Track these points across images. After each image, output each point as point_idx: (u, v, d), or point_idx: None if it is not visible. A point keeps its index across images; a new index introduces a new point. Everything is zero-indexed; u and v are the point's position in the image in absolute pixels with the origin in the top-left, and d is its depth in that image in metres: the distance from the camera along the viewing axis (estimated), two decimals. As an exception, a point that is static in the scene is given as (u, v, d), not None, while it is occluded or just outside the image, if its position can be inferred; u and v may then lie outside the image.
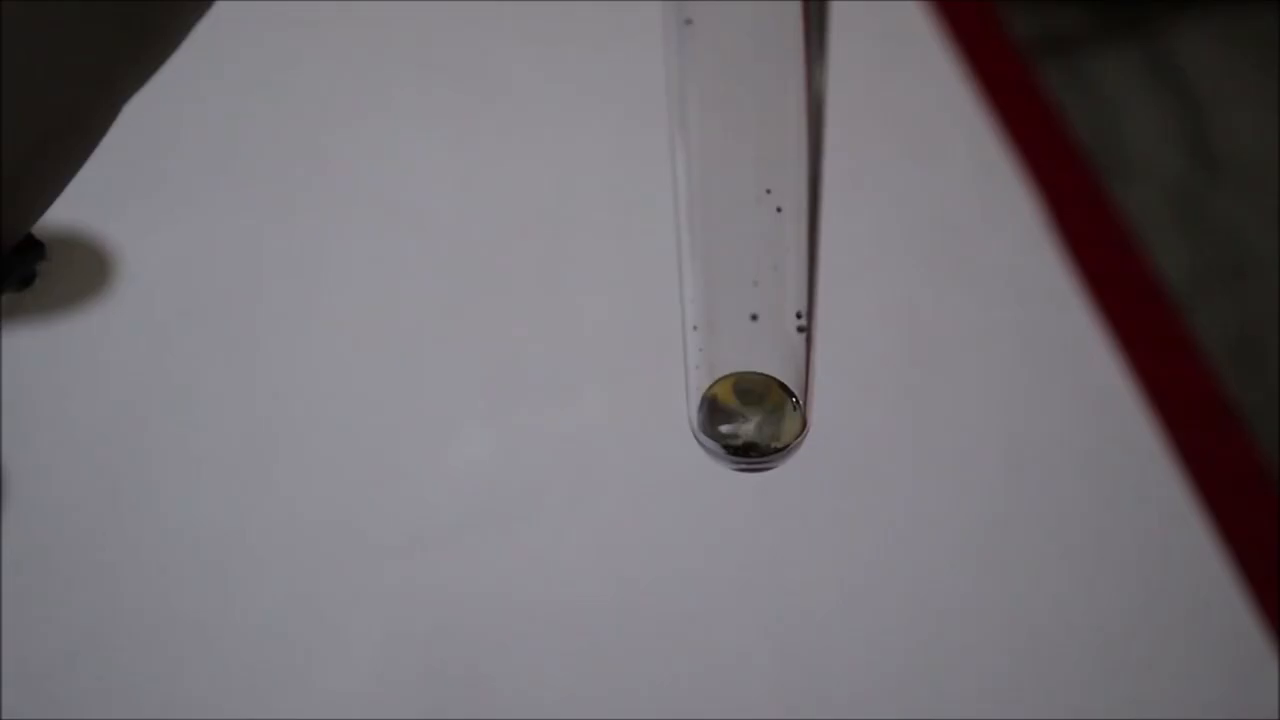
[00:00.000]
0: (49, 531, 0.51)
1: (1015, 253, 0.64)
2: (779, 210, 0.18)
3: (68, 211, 0.59)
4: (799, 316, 0.19)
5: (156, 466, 0.53)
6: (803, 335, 0.19)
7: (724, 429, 0.20)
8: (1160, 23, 1.64)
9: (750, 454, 0.20)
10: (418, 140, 0.65)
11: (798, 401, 0.19)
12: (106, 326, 0.57)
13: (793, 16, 0.17)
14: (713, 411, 0.20)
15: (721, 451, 0.20)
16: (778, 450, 0.20)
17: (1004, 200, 0.66)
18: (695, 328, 0.19)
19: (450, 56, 0.69)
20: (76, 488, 0.52)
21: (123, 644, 0.49)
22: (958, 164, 0.68)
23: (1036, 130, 0.71)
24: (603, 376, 0.57)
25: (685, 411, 0.20)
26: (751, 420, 0.20)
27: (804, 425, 0.20)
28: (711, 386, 0.20)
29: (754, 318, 0.19)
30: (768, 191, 0.18)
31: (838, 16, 0.19)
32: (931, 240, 0.64)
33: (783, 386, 0.19)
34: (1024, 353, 0.60)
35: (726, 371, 0.19)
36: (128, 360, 0.56)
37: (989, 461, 0.56)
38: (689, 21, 0.17)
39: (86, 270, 0.58)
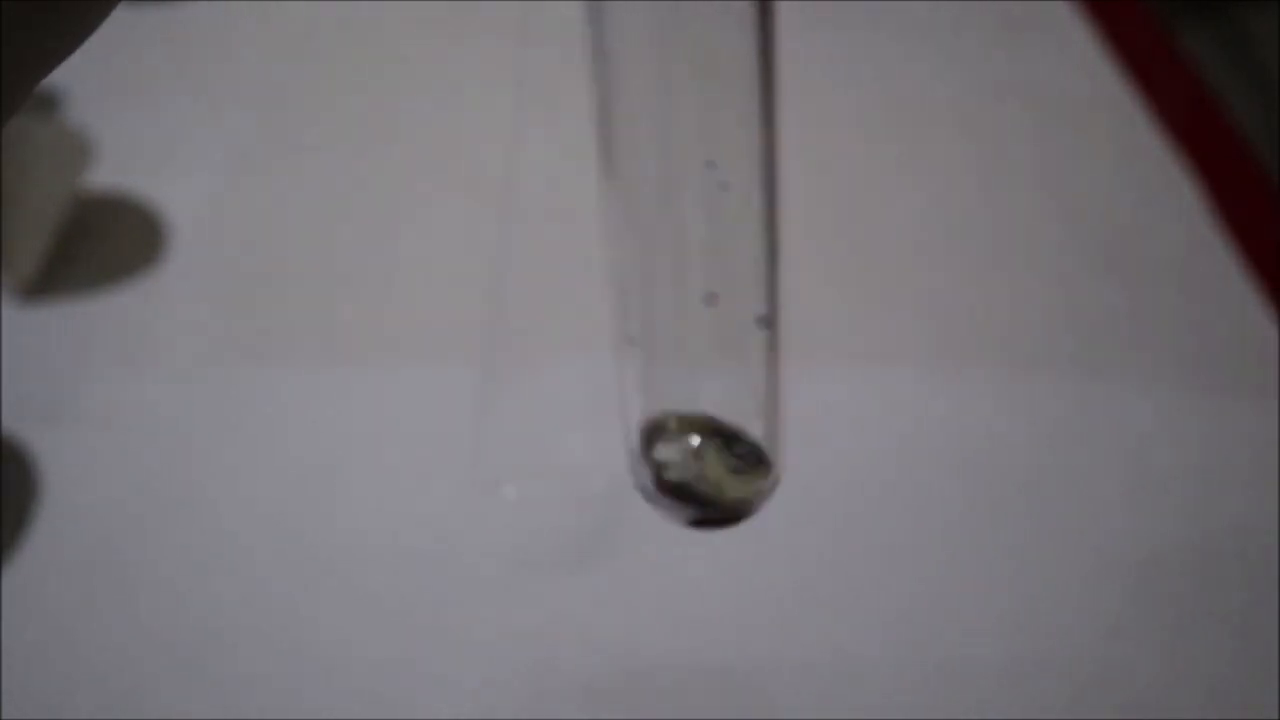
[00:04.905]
0: (86, 538, 0.45)
1: (1179, 245, 0.57)
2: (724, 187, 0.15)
3: (113, 171, 0.52)
4: (762, 325, 0.15)
5: (213, 467, 0.46)
6: (767, 351, 0.15)
7: (671, 479, 0.16)
8: (1238, 7, 1.58)
9: (698, 508, 0.16)
10: (505, 102, 0.58)
11: (759, 450, 0.15)
12: (155, 302, 0.50)
13: None
14: (655, 462, 0.16)
15: (670, 505, 0.16)
16: (733, 507, 0.16)
17: (1161, 186, 0.59)
18: (632, 341, 0.16)
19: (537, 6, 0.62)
20: (118, 489, 0.46)
21: (167, 675, 0.42)
22: (1104, 144, 0.62)
23: (1188, 108, 0.65)
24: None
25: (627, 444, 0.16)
26: (699, 472, 0.16)
27: (768, 474, 0.16)
28: (654, 434, 0.16)
29: (703, 311, 0.15)
30: (711, 164, 0.15)
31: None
32: (1086, 231, 0.57)
33: (734, 434, 0.15)
34: (1200, 359, 0.53)
35: (668, 403, 0.16)
36: (179, 341, 0.50)
37: (1165, 482, 0.49)
38: None
39: (133, 237, 0.51)
